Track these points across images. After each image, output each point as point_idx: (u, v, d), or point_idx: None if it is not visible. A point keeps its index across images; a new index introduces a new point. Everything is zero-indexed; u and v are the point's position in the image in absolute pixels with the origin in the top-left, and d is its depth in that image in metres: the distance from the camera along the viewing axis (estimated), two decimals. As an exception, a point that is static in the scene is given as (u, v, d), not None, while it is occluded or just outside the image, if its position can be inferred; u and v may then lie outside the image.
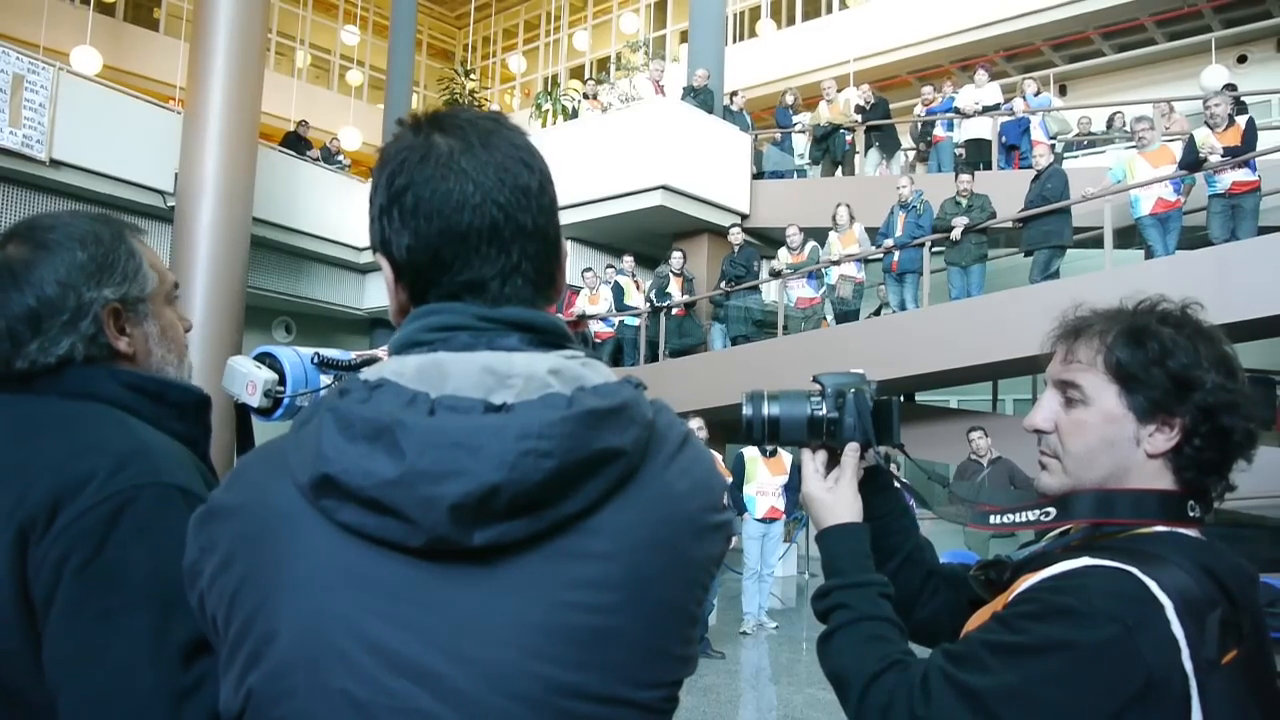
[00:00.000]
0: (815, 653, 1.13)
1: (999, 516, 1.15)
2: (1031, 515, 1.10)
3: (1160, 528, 1.03)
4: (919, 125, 12.25)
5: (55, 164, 10.07)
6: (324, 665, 0.71)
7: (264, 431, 1.11)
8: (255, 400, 1.18)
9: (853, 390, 1.19)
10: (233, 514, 0.77)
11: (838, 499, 1.18)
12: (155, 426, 1.09)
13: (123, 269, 1.12)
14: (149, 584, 0.94)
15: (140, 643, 0.92)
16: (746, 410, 1.20)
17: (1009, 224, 9.45)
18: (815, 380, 1.22)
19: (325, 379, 1.21)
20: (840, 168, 12.60)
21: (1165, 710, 0.89)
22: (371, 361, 1.19)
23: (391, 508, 0.70)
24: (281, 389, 1.18)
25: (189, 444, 1.13)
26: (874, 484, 1.25)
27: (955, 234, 9.31)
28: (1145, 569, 0.93)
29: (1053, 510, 1.08)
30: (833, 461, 1.22)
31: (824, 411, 1.19)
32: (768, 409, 1.20)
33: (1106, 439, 1.06)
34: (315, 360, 1.21)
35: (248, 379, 1.18)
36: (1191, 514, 1.05)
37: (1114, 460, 1.06)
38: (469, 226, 0.79)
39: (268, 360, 1.21)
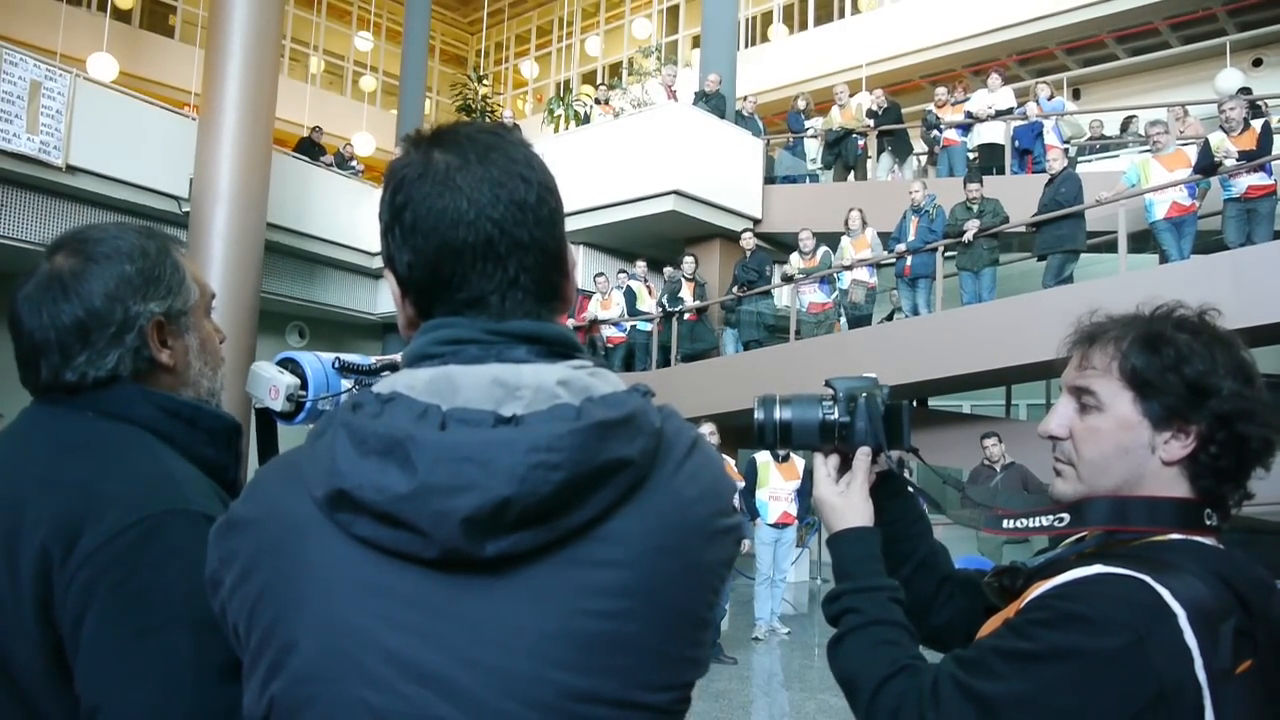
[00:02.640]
0: (825, 657, 1.13)
1: (1012, 521, 1.14)
2: (1045, 521, 1.09)
3: (1176, 535, 1.02)
4: (927, 129, 12.20)
5: (72, 170, 10.15)
6: (342, 674, 0.72)
7: (286, 435, 1.13)
8: (278, 404, 1.20)
9: (864, 394, 1.19)
10: (251, 526, 0.79)
11: (849, 503, 1.18)
12: (187, 451, 1.11)
13: (168, 283, 1.14)
14: (186, 606, 0.95)
15: (182, 662, 0.94)
16: (759, 414, 1.20)
17: (1022, 228, 9.42)
18: (827, 384, 1.22)
19: (346, 383, 1.23)
20: (853, 172, 12.58)
21: None
22: (392, 366, 1.21)
23: (405, 521, 0.72)
24: (304, 393, 1.21)
25: (219, 470, 1.15)
26: (887, 489, 1.24)
27: (968, 236, 9.28)
28: (1158, 577, 0.93)
29: (1066, 516, 1.08)
30: (845, 466, 1.21)
31: (836, 416, 1.19)
32: (780, 413, 1.20)
33: (1121, 446, 1.05)
34: (336, 365, 1.24)
35: (270, 384, 1.21)
36: (1208, 522, 1.04)
37: (1128, 467, 1.05)
38: (464, 243, 0.80)
39: (290, 365, 1.23)
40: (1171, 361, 1.04)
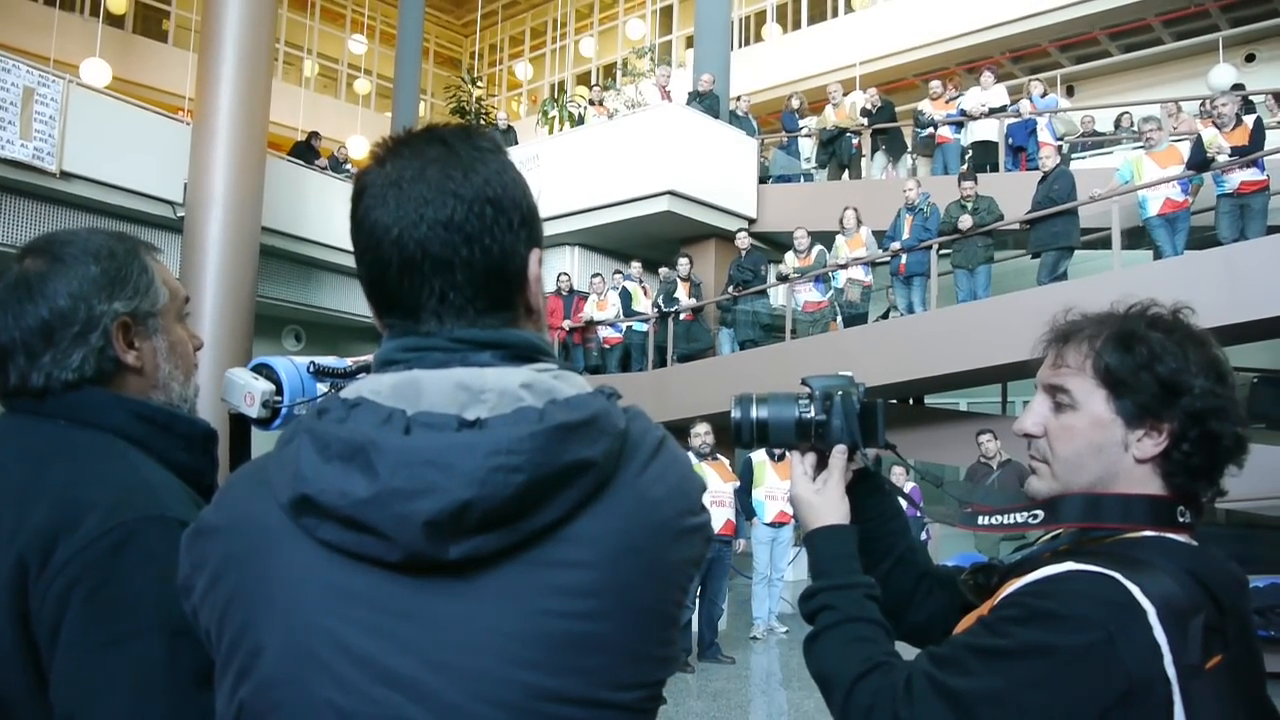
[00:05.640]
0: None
1: (988, 518, 1.15)
2: (1020, 517, 1.11)
3: (1148, 532, 1.03)
4: (920, 127, 12.18)
5: (66, 176, 10.11)
6: (310, 678, 0.73)
7: (261, 442, 1.13)
8: (254, 411, 1.19)
9: (840, 393, 1.20)
10: (220, 532, 0.79)
11: (825, 501, 1.18)
12: (162, 458, 1.11)
13: (134, 283, 1.14)
14: (157, 613, 0.95)
15: (152, 670, 0.94)
16: (735, 413, 1.21)
17: (1016, 226, 9.43)
18: (804, 383, 1.23)
19: (322, 387, 1.22)
20: (847, 171, 12.59)
21: (1147, 715, 0.89)
22: (368, 367, 1.21)
23: (368, 525, 0.72)
24: (279, 399, 1.20)
25: (195, 475, 1.14)
26: (865, 486, 1.25)
27: (963, 224, 9.27)
28: (1129, 574, 0.94)
29: (1041, 513, 1.09)
30: (822, 464, 1.22)
31: (811, 414, 1.20)
32: (756, 412, 1.21)
33: (1095, 444, 1.06)
34: (311, 369, 1.23)
35: (245, 390, 1.20)
36: (1181, 519, 1.05)
37: (1102, 465, 1.06)
38: (388, 261, 0.81)
39: (265, 371, 1.22)
40: (1144, 360, 1.05)
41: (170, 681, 0.94)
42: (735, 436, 1.22)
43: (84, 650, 0.94)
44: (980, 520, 1.16)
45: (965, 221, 9.28)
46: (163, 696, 0.93)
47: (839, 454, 1.20)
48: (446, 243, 0.80)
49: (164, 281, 1.18)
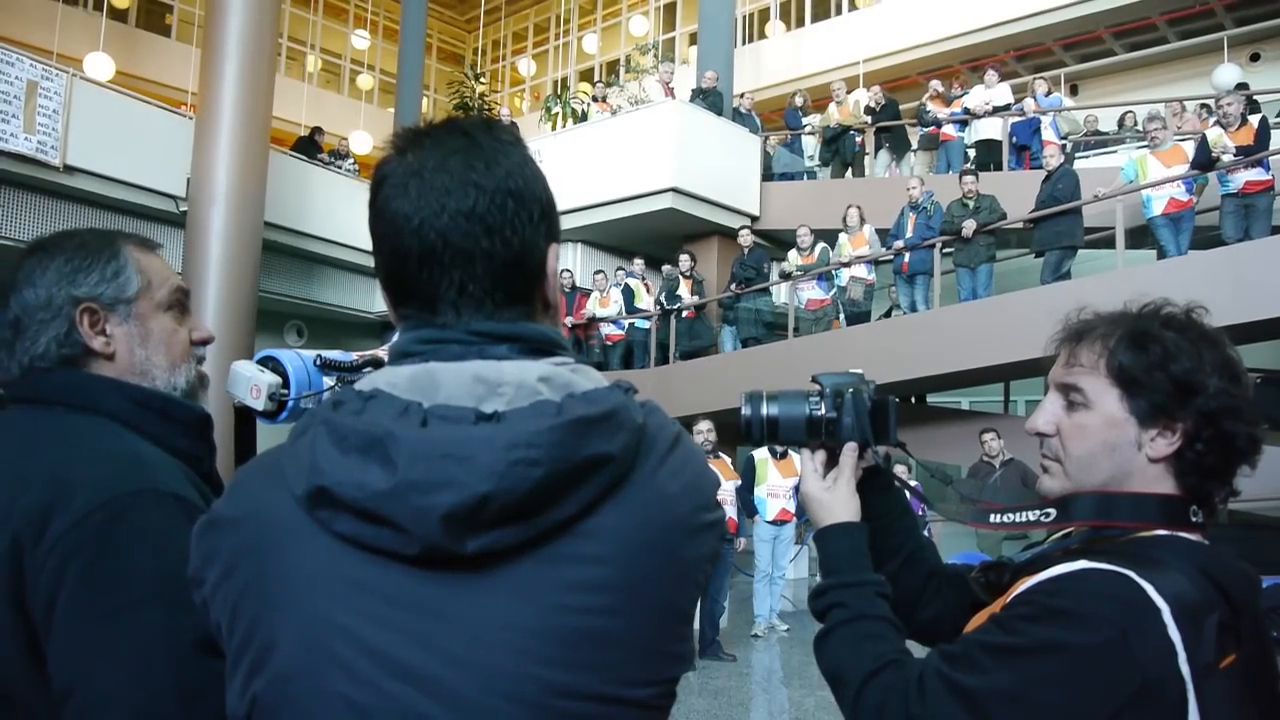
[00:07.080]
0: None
1: (999, 516, 1.15)
2: (1032, 515, 1.10)
3: (1161, 531, 1.03)
4: (924, 125, 12.16)
5: (69, 170, 10.12)
6: (324, 671, 0.72)
7: (266, 436, 1.13)
8: (260, 404, 1.18)
9: (851, 390, 1.19)
10: (233, 525, 0.79)
11: (835, 498, 1.18)
12: (160, 442, 1.12)
13: (100, 271, 1.15)
14: (155, 584, 0.96)
15: (153, 640, 0.94)
16: (745, 410, 1.21)
17: (1020, 225, 9.42)
18: (814, 380, 1.22)
19: (328, 380, 1.22)
20: (850, 169, 12.59)
21: (1161, 714, 0.89)
22: (374, 362, 1.21)
23: (385, 518, 0.72)
24: (285, 391, 1.19)
25: (193, 460, 1.15)
26: (874, 484, 1.25)
27: (967, 230, 9.26)
28: (1143, 573, 0.93)
29: (1053, 511, 1.08)
30: (832, 461, 1.22)
31: (822, 411, 1.20)
32: (766, 409, 1.21)
33: (1108, 443, 1.06)
34: (318, 362, 1.22)
35: (251, 382, 1.19)
36: (1194, 519, 1.05)
37: (1115, 464, 1.06)
38: (408, 251, 0.80)
39: (271, 364, 1.22)
40: (1158, 359, 1.04)
41: (171, 651, 0.94)
42: (745, 433, 1.22)
43: (83, 623, 0.95)
44: (992, 518, 1.15)
45: (969, 226, 9.27)
46: (165, 665, 0.94)
47: (849, 451, 1.19)
48: (468, 233, 0.79)
49: (142, 270, 1.18)
